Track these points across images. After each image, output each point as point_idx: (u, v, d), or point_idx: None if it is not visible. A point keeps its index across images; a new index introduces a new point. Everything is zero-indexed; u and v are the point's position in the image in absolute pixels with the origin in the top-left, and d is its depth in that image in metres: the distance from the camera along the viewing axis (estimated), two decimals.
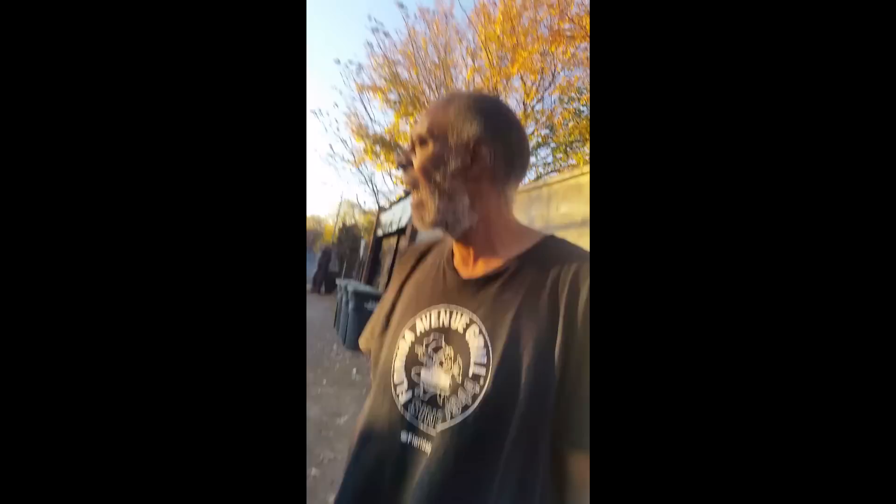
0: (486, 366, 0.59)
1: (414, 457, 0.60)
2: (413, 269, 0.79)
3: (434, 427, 0.60)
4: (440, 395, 0.61)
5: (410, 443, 0.61)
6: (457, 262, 0.72)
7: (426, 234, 0.77)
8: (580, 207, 2.56)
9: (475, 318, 0.63)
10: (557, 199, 2.82)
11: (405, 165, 0.70)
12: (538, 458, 0.57)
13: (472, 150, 0.66)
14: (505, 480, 0.56)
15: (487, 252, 0.69)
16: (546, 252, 0.67)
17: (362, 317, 4.95)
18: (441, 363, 0.63)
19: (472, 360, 0.60)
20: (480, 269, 0.69)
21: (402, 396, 0.64)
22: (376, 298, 5.21)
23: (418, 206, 0.69)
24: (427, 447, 0.59)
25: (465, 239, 0.69)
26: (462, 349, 0.62)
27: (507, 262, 0.67)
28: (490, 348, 0.60)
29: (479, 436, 0.57)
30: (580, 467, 0.56)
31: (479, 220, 0.68)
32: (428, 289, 0.72)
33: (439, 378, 0.62)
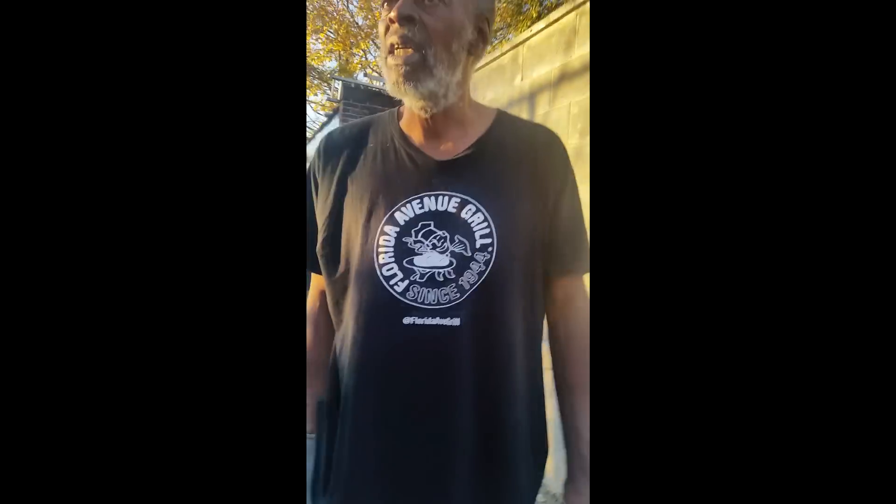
0: (491, 236, 0.64)
1: (433, 332, 0.63)
2: (346, 161, 0.71)
3: (447, 301, 0.63)
4: (438, 273, 0.63)
5: (416, 323, 0.63)
6: (419, 142, 0.69)
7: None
8: (505, 90, 2.53)
9: (467, 198, 0.65)
10: (482, 87, 2.74)
11: (409, 17, 0.61)
12: (536, 295, 0.69)
13: (479, 25, 0.66)
14: (517, 323, 0.66)
15: (459, 130, 0.70)
16: (505, 126, 0.72)
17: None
18: (434, 246, 0.64)
19: (476, 235, 0.64)
20: (453, 147, 0.68)
21: (400, 286, 0.64)
22: None
23: (418, 68, 0.62)
24: (440, 320, 0.63)
25: (443, 115, 0.67)
26: (460, 228, 0.64)
27: (478, 139, 0.69)
28: (490, 220, 0.64)
29: (495, 294, 0.64)
30: (565, 291, 0.72)
31: (459, 97, 0.67)
32: (394, 177, 0.67)
33: (435, 260, 0.64)
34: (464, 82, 0.68)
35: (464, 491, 0.64)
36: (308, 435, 0.73)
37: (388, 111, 0.77)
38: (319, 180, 0.73)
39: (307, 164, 0.69)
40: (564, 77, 2.17)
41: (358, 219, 0.67)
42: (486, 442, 0.65)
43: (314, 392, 0.74)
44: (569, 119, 2.19)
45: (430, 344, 0.63)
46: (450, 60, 0.63)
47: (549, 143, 0.72)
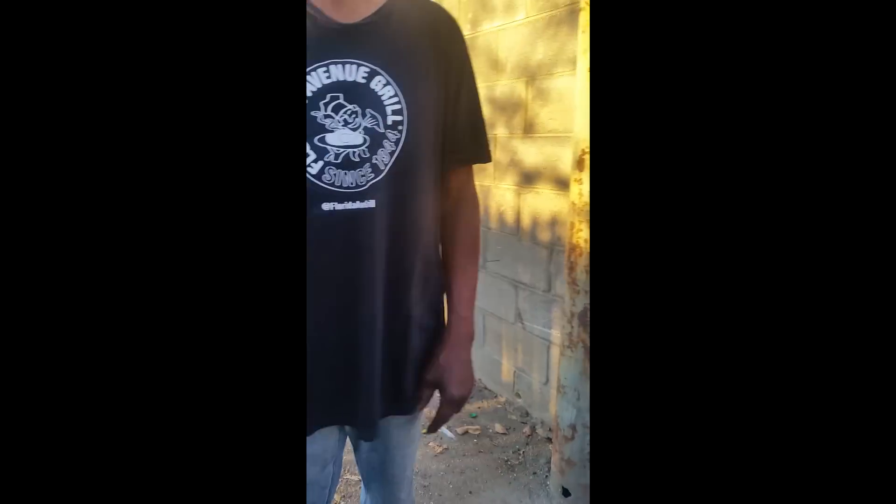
0: (402, 112, 0.62)
1: (348, 215, 0.61)
2: None
3: (364, 183, 0.61)
4: (353, 153, 0.60)
5: (335, 209, 0.61)
6: (321, 3, 0.61)
7: None
8: None
9: (376, 68, 0.61)
10: None
11: None
12: (437, 179, 0.69)
13: None
14: (427, 206, 0.67)
15: None
16: None
17: None
18: (346, 122, 0.60)
19: (387, 110, 0.61)
20: (355, 10, 0.62)
21: (314, 168, 0.60)
22: None
23: None
24: (359, 203, 0.61)
25: None
26: (371, 101, 0.60)
27: (382, 4, 0.63)
28: (401, 95, 0.62)
29: (407, 174, 0.63)
30: (459, 180, 0.72)
31: None
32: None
33: (348, 138, 0.60)
34: None
35: (372, 365, 0.66)
36: None
37: None
38: None
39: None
40: None
41: None
42: (391, 322, 0.67)
43: None
44: (459, 6, 2.09)
45: (347, 229, 0.61)
46: None
47: (450, 27, 0.68)
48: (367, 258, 0.63)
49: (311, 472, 0.71)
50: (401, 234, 0.65)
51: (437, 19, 0.68)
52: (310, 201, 0.60)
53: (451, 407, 0.75)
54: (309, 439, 0.68)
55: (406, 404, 0.74)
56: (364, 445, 0.79)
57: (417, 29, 0.65)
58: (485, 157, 0.73)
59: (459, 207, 0.74)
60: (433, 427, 0.78)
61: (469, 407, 2.09)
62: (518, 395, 2.13)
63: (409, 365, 0.71)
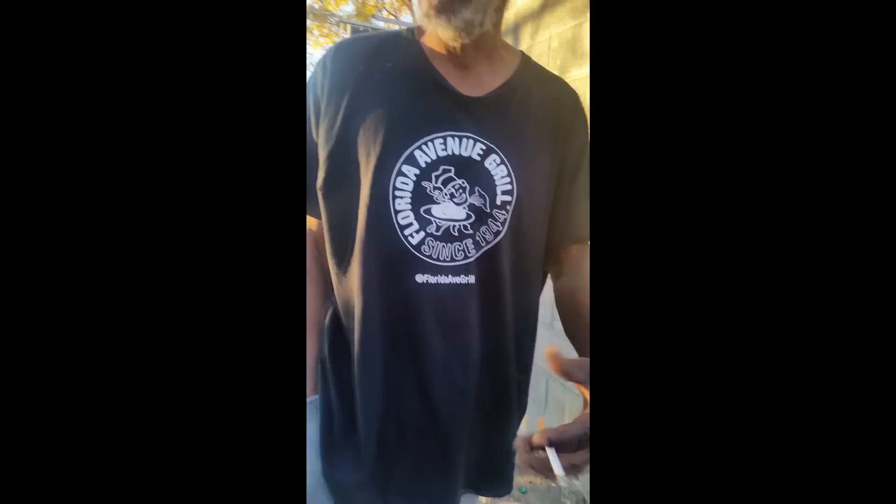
0: (512, 192, 0.59)
1: (444, 289, 0.59)
2: (358, 82, 0.60)
3: (463, 258, 0.59)
4: (454, 227, 0.58)
5: (429, 282, 0.58)
6: (446, 72, 0.60)
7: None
8: None
9: (493, 146, 0.59)
10: None
11: None
12: (539, 258, 0.67)
13: None
14: (524, 283, 0.65)
15: (488, 65, 0.62)
16: (531, 71, 0.66)
17: None
18: (451, 196, 0.58)
19: (497, 190, 0.59)
20: (480, 84, 0.60)
21: (415, 238, 0.58)
22: None
23: None
24: (456, 278, 0.59)
25: (473, 46, 0.58)
26: (482, 179, 0.59)
27: (508, 79, 0.62)
28: (514, 176, 0.59)
29: (510, 252, 0.61)
30: (572, 256, 0.68)
31: (495, 24, 0.59)
32: (416, 109, 0.58)
33: (452, 212, 0.58)
34: (501, 8, 0.59)
35: (463, 443, 0.64)
36: (308, 398, 0.68)
37: (405, 27, 0.67)
38: (323, 103, 0.61)
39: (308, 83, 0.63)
40: (546, 6, 2.01)
41: (370, 153, 0.57)
42: (485, 398, 0.65)
43: (312, 351, 0.68)
44: (549, 53, 2.03)
45: (443, 302, 0.59)
46: None
47: (573, 104, 0.67)
48: (463, 333, 0.61)
49: None
50: (499, 311, 0.63)
51: (561, 96, 0.67)
52: (405, 272, 0.58)
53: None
54: None
55: (499, 485, 0.69)
56: None
57: (540, 106, 0.64)
58: (581, 236, 0.70)
59: (574, 283, 0.69)
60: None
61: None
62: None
63: (503, 442, 0.68)
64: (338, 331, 0.66)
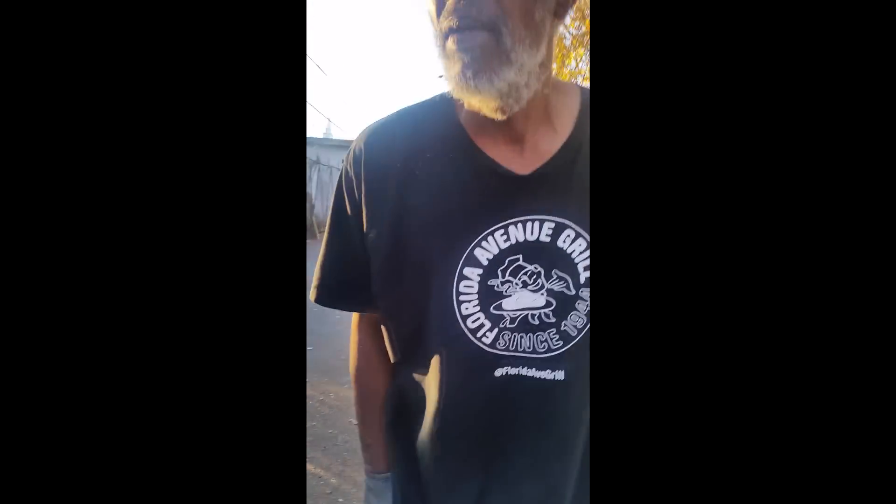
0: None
1: (531, 385, 0.53)
2: (401, 176, 0.54)
3: (547, 351, 0.53)
4: (533, 316, 0.52)
5: (507, 374, 0.53)
6: (494, 151, 0.52)
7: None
8: None
9: (563, 221, 0.51)
10: None
11: None
12: None
13: None
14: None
15: (543, 127, 0.53)
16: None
17: None
18: (524, 283, 0.52)
19: (579, 267, 0.52)
20: (536, 154, 0.52)
21: (489, 336, 0.53)
22: None
23: (490, 54, 0.44)
24: (542, 373, 0.53)
25: (523, 113, 0.50)
26: (558, 260, 0.52)
27: (568, 137, 0.52)
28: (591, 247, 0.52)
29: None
30: None
31: (544, 82, 0.50)
32: (466, 203, 0.52)
33: (526, 300, 0.52)
34: (549, 60, 0.50)
35: None
36: (379, 475, 0.66)
37: (439, 96, 0.57)
38: (364, 199, 0.55)
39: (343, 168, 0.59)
40: None
41: (427, 258, 0.53)
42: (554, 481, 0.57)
43: (372, 430, 0.66)
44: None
45: (530, 400, 0.54)
46: (532, 35, 0.46)
47: None
48: (557, 435, 0.55)
49: None
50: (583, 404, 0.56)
51: None
52: (483, 370, 0.54)
53: None
54: None
55: None
56: None
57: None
58: None
59: None
60: None
61: None
62: None
63: None
64: (403, 410, 0.63)
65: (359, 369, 0.66)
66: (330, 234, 0.61)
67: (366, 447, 0.67)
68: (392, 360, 0.63)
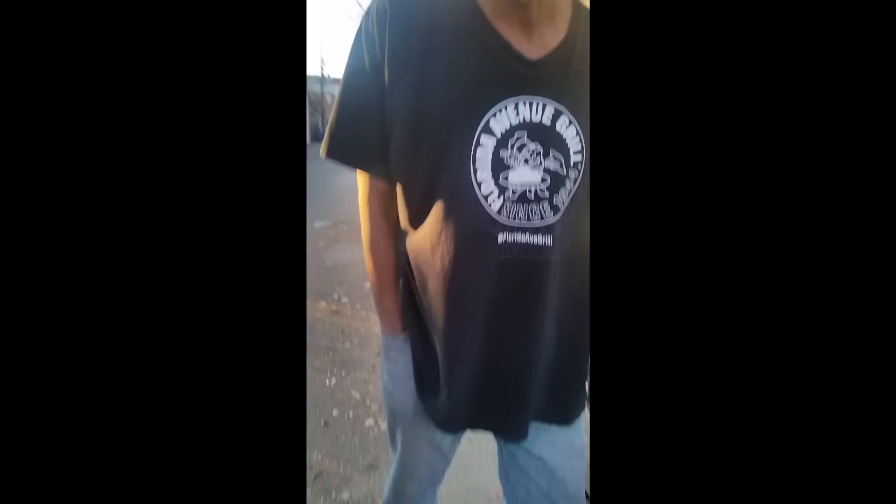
0: (582, 152, 0.61)
1: (526, 249, 0.61)
2: (422, 40, 0.58)
3: (541, 220, 0.61)
4: (530, 191, 0.60)
5: (506, 241, 0.61)
6: (510, 34, 0.58)
7: None
8: None
9: (560, 107, 0.59)
10: None
11: None
12: None
13: None
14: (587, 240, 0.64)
15: (549, 19, 0.59)
16: (582, 16, 0.62)
17: None
18: (526, 160, 0.59)
19: (570, 151, 0.61)
20: (543, 42, 0.58)
21: (495, 204, 0.60)
22: None
23: None
24: (536, 238, 0.61)
25: (538, 2, 0.56)
26: (555, 142, 0.60)
27: (567, 33, 0.60)
28: (582, 135, 0.61)
29: (580, 211, 0.63)
30: None
31: None
32: (484, 77, 0.57)
33: (527, 176, 0.60)
34: None
35: (540, 400, 0.69)
36: (396, 334, 0.74)
37: None
38: (387, 57, 0.59)
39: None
40: None
41: (446, 123, 0.58)
42: (561, 355, 0.69)
43: (387, 295, 0.73)
44: None
45: (525, 261, 0.62)
46: None
47: None
48: (544, 290, 0.64)
49: (438, 462, 0.77)
50: (573, 271, 0.66)
51: None
52: (490, 235, 0.61)
53: None
54: (449, 437, 0.74)
55: (567, 413, 0.74)
56: (527, 468, 0.76)
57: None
58: None
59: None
60: None
61: None
62: None
63: (571, 378, 0.73)
64: (414, 275, 0.68)
65: (373, 241, 0.72)
66: (345, 91, 0.63)
67: (383, 311, 0.74)
68: (403, 226, 0.68)
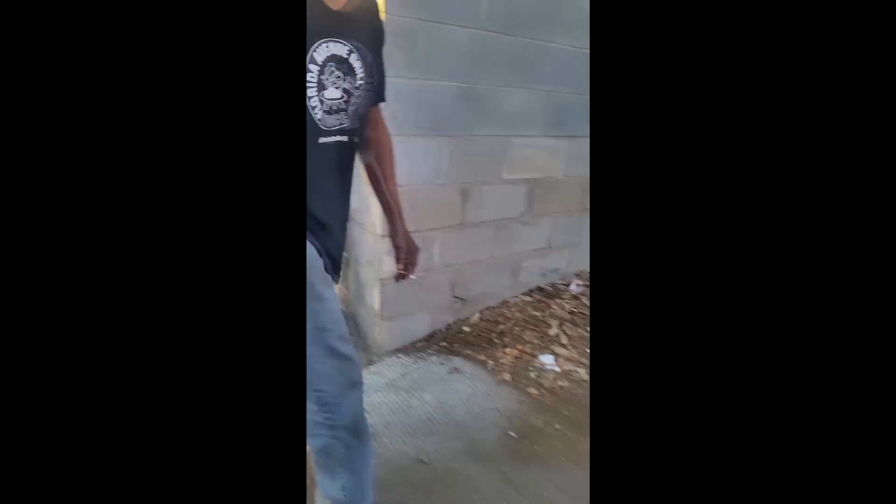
0: (363, 78, 0.94)
1: (334, 146, 0.93)
2: None
3: (341, 124, 0.93)
4: (334, 104, 0.91)
5: (322, 141, 0.91)
6: None
7: None
8: None
9: (352, 47, 0.90)
10: None
11: None
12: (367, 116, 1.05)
13: None
14: (363, 134, 1.05)
15: None
16: None
17: None
18: (334, 83, 0.89)
19: (359, 76, 0.93)
20: None
21: (318, 114, 0.89)
22: None
23: None
24: (340, 138, 0.94)
25: None
26: (350, 70, 0.91)
27: None
28: (366, 67, 0.94)
29: (361, 117, 0.99)
30: (377, 114, 1.10)
31: None
32: (312, 23, 0.78)
33: (334, 94, 0.90)
34: None
35: (343, 227, 1.04)
36: None
37: None
38: None
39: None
40: None
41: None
42: (345, 201, 1.04)
43: None
44: None
45: (334, 153, 0.94)
46: None
47: (380, 7, 1.01)
48: (346, 171, 1.00)
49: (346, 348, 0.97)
50: (354, 159, 1.02)
51: (377, 5, 1.00)
52: (314, 136, 0.90)
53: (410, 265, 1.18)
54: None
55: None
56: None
57: (373, 13, 0.98)
58: (384, 99, 1.09)
59: (379, 133, 1.13)
60: (398, 278, 1.20)
61: None
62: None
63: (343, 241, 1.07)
64: None
65: None
66: None
67: None
68: None
